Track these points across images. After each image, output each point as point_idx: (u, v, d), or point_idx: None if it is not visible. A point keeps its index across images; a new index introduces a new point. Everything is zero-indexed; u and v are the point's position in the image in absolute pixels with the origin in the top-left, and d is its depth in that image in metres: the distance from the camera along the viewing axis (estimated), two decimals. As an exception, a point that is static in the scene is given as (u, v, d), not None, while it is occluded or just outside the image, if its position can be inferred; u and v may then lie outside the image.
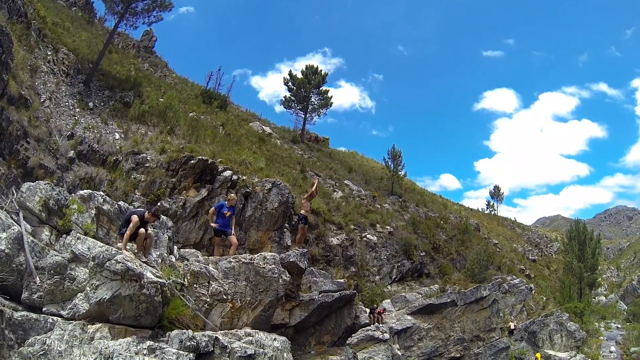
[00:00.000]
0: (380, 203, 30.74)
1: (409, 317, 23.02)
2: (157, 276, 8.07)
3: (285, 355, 9.45)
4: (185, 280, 9.37)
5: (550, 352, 27.75)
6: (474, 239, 33.16)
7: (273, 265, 10.38)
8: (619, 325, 46.89)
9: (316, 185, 15.77)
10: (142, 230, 8.74)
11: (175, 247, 11.78)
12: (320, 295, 14.45)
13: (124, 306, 7.53)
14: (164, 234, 11.61)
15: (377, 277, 24.64)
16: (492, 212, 67.29)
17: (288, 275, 10.94)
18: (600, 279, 59.97)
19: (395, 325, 22.40)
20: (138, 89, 20.40)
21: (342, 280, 17.41)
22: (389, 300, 23.58)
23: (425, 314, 23.51)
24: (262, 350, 8.61)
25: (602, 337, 38.54)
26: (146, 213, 9.14)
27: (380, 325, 21.33)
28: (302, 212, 14.78)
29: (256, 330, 9.38)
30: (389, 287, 24.79)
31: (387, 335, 20.90)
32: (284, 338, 9.99)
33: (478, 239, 34.31)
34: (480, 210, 63.94)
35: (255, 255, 10.63)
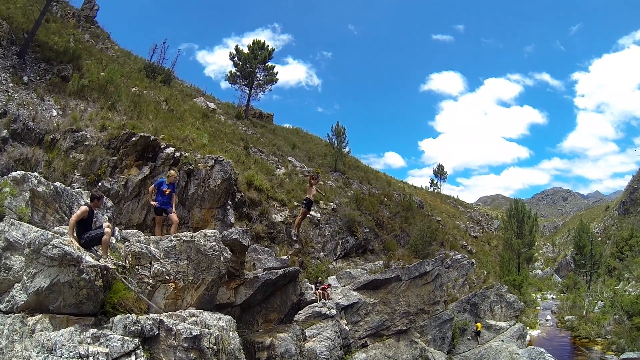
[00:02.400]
0: (323, 180, 30.61)
1: (354, 293, 23.09)
2: (96, 259, 7.68)
3: (231, 334, 9.42)
4: (127, 262, 9.02)
5: (491, 322, 28.93)
6: (417, 216, 33.79)
7: (214, 243, 10.17)
8: (554, 296, 49.82)
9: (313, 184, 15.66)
10: (108, 230, 8.26)
11: (117, 228, 11.13)
12: (264, 273, 14.30)
13: (63, 294, 7.15)
14: (103, 215, 11.04)
15: (321, 253, 24.54)
16: (436, 190, 69.13)
17: (229, 252, 10.76)
18: (537, 254, 63.52)
19: (341, 301, 22.40)
20: (77, 61, 19.05)
21: (285, 257, 17.25)
22: (334, 276, 23.54)
23: (371, 289, 23.66)
24: (207, 330, 8.53)
25: (539, 307, 40.86)
26: (90, 201, 8.69)
27: (327, 301, 21.25)
28: (309, 196, 15.15)
29: (200, 311, 9.27)
30: (333, 263, 24.79)
31: (334, 311, 20.88)
32: (229, 317, 9.94)
33: (421, 216, 35.02)
34: (424, 188, 65.52)
35: (196, 233, 10.37)
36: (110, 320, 7.47)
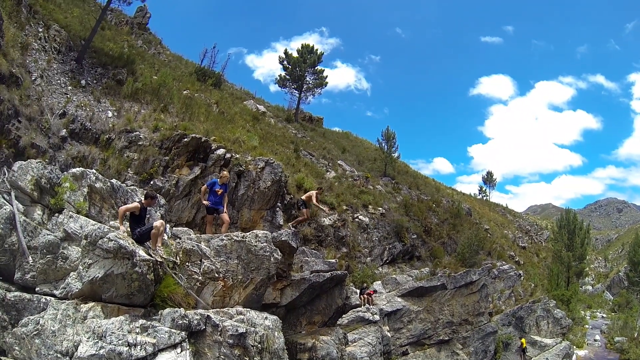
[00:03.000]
0: (373, 184, 30.84)
1: (399, 299, 23.31)
2: (149, 254, 8.11)
3: (276, 334, 9.63)
4: (178, 258, 9.44)
5: (537, 337, 28.42)
6: (465, 224, 33.44)
7: (265, 244, 10.50)
8: (604, 315, 47.93)
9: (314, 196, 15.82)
10: (157, 224, 8.72)
11: (168, 225, 11.78)
12: (311, 275, 14.58)
13: (116, 284, 7.61)
14: (156, 212, 11.61)
15: (368, 258, 24.86)
16: (484, 198, 67.78)
17: (279, 253, 11.07)
18: (587, 269, 61.14)
19: (385, 307, 22.67)
20: (131, 66, 19.95)
21: (333, 260, 17.55)
22: (379, 282, 23.81)
23: (416, 296, 23.79)
24: (253, 329, 8.79)
25: (587, 326, 39.47)
26: (143, 199, 9.20)
27: (371, 306, 21.56)
28: (307, 200, 15.31)
29: (247, 309, 9.53)
30: (379, 268, 25.03)
31: (377, 317, 21.16)
32: (275, 317, 10.15)
33: (469, 224, 34.63)
34: (472, 195, 64.34)
35: (247, 234, 10.75)
36: (159, 312, 7.91)
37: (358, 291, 21.97)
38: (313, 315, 15.80)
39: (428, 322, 24.02)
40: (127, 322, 7.24)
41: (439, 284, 24.35)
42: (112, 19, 29.06)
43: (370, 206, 27.18)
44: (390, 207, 28.35)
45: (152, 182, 14.59)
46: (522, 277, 33.17)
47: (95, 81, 17.86)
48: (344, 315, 19.65)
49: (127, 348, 6.90)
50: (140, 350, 7.03)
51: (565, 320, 31.59)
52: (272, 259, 10.47)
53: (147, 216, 9.50)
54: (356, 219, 25.54)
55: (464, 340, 25.46)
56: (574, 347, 30.34)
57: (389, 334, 22.63)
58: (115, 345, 6.83)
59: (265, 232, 11.25)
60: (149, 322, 7.48)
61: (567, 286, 38.42)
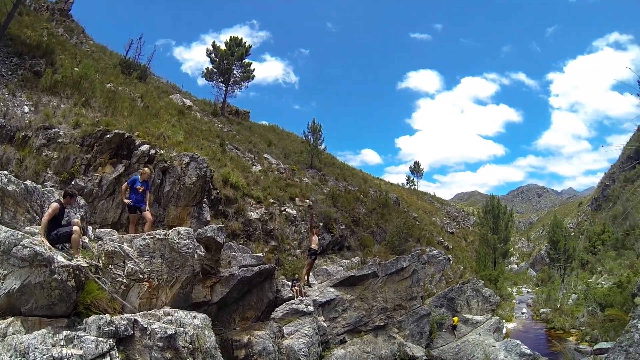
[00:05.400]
0: (299, 177, 31.14)
1: (331, 290, 23.63)
2: (68, 259, 7.82)
3: (206, 332, 9.57)
4: (100, 261, 9.16)
5: (468, 315, 29.86)
6: (393, 213, 34.56)
7: (187, 240, 10.46)
8: (530, 290, 51.46)
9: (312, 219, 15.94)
10: (77, 228, 8.46)
11: (91, 227, 11.32)
12: (240, 270, 14.64)
13: (35, 295, 7.28)
14: (75, 214, 11.14)
15: (298, 250, 25.04)
16: (412, 187, 70.51)
17: (203, 250, 11.06)
18: (512, 249, 65.54)
19: (318, 298, 22.87)
20: (51, 56, 19.10)
21: (260, 254, 17.70)
22: (311, 273, 24.08)
23: (348, 285, 24.23)
24: (182, 329, 8.71)
25: (514, 301, 42.10)
26: (62, 198, 8.88)
27: (304, 298, 21.76)
28: (313, 245, 15.41)
29: (175, 310, 9.44)
30: (310, 260, 25.32)
31: (311, 308, 21.33)
32: (204, 315, 10.09)
33: (398, 213, 35.83)
34: (400, 185, 66.77)
35: (170, 231, 10.62)
36: (84, 321, 7.59)
37: (290, 284, 22.13)
38: (245, 310, 15.82)
39: (363, 310, 24.56)
40: (50, 334, 6.93)
41: (370, 272, 24.96)
42: (31, 4, 27.54)
43: (297, 199, 27.42)
44: (317, 199, 28.75)
45: (73, 182, 14.05)
46: (452, 261, 34.73)
47: (10, 72, 16.93)
48: (277, 309, 19.69)
49: None
50: None
51: (494, 297, 33.48)
52: (195, 256, 10.46)
53: (66, 217, 9.14)
54: (284, 212, 25.67)
55: (399, 324, 26.29)
56: (504, 321, 32.25)
57: (324, 324, 22.87)
58: None
59: (187, 228, 11.16)
60: (73, 333, 7.21)
61: (494, 266, 40.76)
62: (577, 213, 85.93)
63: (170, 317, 8.93)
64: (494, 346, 25.66)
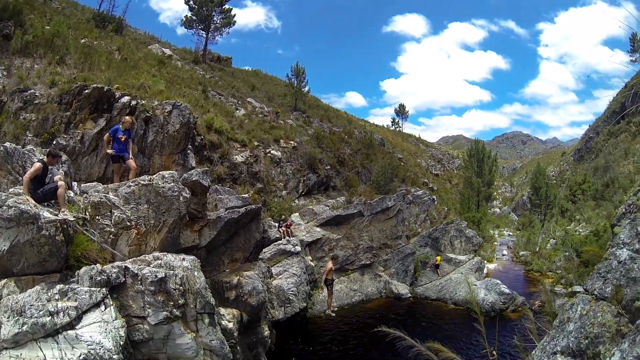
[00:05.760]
0: (283, 119, 30.87)
1: (318, 229, 23.97)
2: (54, 214, 7.72)
3: (196, 273, 9.62)
4: (87, 213, 9.07)
5: (452, 255, 30.60)
6: (378, 153, 34.64)
7: (172, 184, 10.34)
8: (511, 233, 52.90)
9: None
10: (61, 182, 8.33)
11: (75, 183, 11.11)
12: (226, 212, 14.58)
13: (25, 254, 7.24)
14: (58, 170, 10.95)
15: (283, 192, 25.13)
16: (397, 129, 70.45)
17: (188, 192, 10.93)
18: (495, 194, 66.79)
19: (305, 238, 23.24)
20: (19, 17, 18.05)
21: (246, 195, 17.62)
22: (297, 213, 24.25)
23: (334, 225, 24.59)
24: (172, 272, 8.70)
25: (496, 243, 43.36)
26: (45, 158, 8.68)
27: (291, 238, 22.03)
28: (328, 277, 15.81)
29: (164, 253, 9.47)
30: (296, 201, 25.45)
31: (298, 248, 21.71)
32: (192, 257, 10.12)
33: (383, 153, 35.91)
34: (385, 127, 66.48)
35: (154, 176, 10.49)
36: (76, 273, 7.62)
37: (276, 225, 22.33)
38: (234, 252, 15.91)
39: (349, 249, 25.03)
40: (45, 290, 6.95)
41: (355, 211, 25.28)
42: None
43: (282, 140, 27.26)
44: (302, 140, 28.61)
45: (54, 142, 13.71)
46: (436, 202, 35.26)
47: (-23, 37, 16.15)
48: (265, 250, 19.99)
49: (50, 317, 6.65)
50: (64, 316, 6.80)
51: (476, 238, 34.25)
52: (181, 199, 10.37)
53: (49, 175, 8.95)
54: (269, 154, 25.56)
55: (385, 263, 26.94)
56: (485, 261, 33.15)
57: (312, 264, 23.34)
58: (37, 317, 6.56)
59: (171, 172, 10.98)
60: (67, 286, 7.21)
61: (477, 209, 41.57)
62: (560, 162, 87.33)
63: (159, 261, 8.98)
64: (475, 285, 26.44)
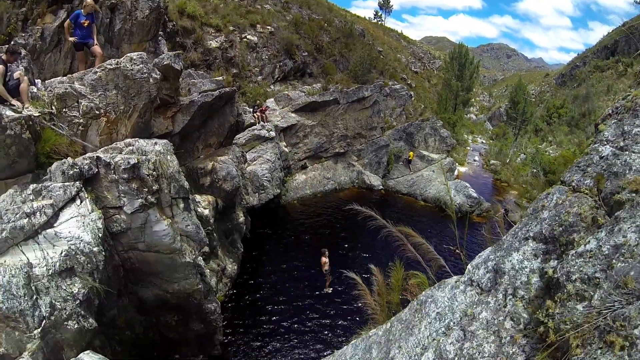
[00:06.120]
0: (260, 4, 29.61)
1: (293, 115, 23.95)
2: (17, 112, 7.39)
3: (169, 157, 9.52)
4: (53, 107, 8.67)
5: (425, 152, 31.25)
6: (358, 44, 33.82)
7: (141, 65, 9.90)
8: (484, 141, 53.73)
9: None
10: (23, 77, 7.82)
11: (39, 81, 10.44)
12: (200, 96, 14.35)
13: None
14: (18, 67, 10.27)
15: (259, 77, 24.75)
16: (379, 22, 68.25)
17: (158, 72, 10.52)
18: (473, 100, 66.97)
19: (280, 123, 23.26)
20: None
21: (220, 77, 17.31)
22: (272, 99, 24.06)
23: (309, 111, 24.56)
24: (144, 157, 8.59)
25: (469, 148, 44.15)
26: (3, 55, 8.02)
27: (266, 124, 22.03)
28: (325, 268, 14.81)
29: (136, 139, 9.25)
30: (271, 86, 25.17)
31: (273, 133, 21.79)
32: (164, 141, 9.93)
33: (362, 44, 35.04)
34: (367, 18, 64.19)
35: (121, 59, 9.94)
36: (48, 170, 7.44)
37: (251, 110, 22.17)
38: (208, 137, 15.84)
39: (323, 136, 25.26)
40: (18, 193, 6.77)
41: (331, 98, 25.18)
42: None
43: (258, 25, 26.39)
44: (279, 25, 27.71)
45: (12, 42, 12.38)
46: (413, 98, 35.26)
47: None
48: (239, 135, 19.95)
49: (27, 219, 6.53)
50: (41, 216, 6.69)
51: (450, 139, 34.86)
52: (151, 80, 9.94)
53: (9, 73, 8.38)
54: (244, 39, 24.81)
55: (358, 153, 27.42)
56: (457, 163, 34.05)
57: (286, 149, 23.60)
58: (14, 221, 6.42)
59: (140, 53, 10.41)
60: (40, 185, 7.03)
61: (454, 111, 41.86)
62: (542, 83, 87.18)
63: (131, 147, 8.80)
64: (445, 184, 27.25)
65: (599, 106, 48.13)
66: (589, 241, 2.29)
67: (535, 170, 30.91)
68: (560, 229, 2.56)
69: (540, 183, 27.59)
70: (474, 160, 40.00)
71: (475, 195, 24.81)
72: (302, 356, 12.10)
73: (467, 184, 26.80)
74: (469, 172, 35.64)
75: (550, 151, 37.87)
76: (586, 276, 2.17)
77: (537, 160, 31.91)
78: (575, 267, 2.24)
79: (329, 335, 13.07)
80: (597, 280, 2.12)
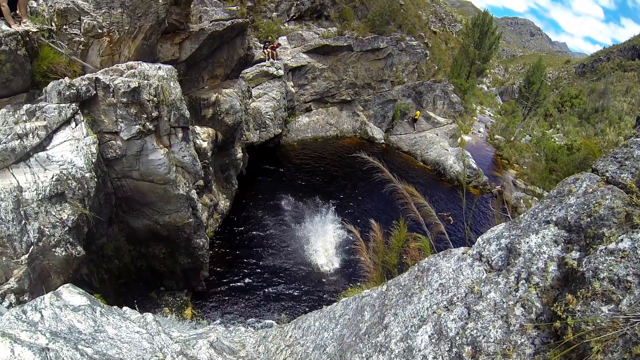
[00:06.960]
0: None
1: (304, 55, 23.78)
2: (15, 26, 7.04)
3: (172, 84, 9.28)
4: (52, 24, 8.27)
5: (432, 114, 31.20)
6: (379, -8, 33.15)
7: None
8: (492, 114, 53.41)
9: None
10: None
11: None
12: (211, 24, 13.94)
13: None
14: None
15: (274, 13, 24.38)
16: (405, -28, 66.25)
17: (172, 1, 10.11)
18: (488, 71, 66.07)
19: (290, 62, 23.12)
20: None
21: (234, 7, 16.89)
22: (284, 37, 23.83)
23: (321, 54, 24.37)
24: (146, 81, 8.38)
25: (476, 118, 43.98)
26: None
27: (275, 61, 21.87)
28: None
29: (139, 62, 8.97)
30: (285, 24, 24.81)
31: (281, 72, 21.64)
32: (169, 66, 9.62)
33: (383, -7, 34.36)
34: (393, -36, 62.30)
35: None
36: (43, 90, 7.19)
37: (262, 46, 21.96)
38: (215, 68, 15.55)
39: (332, 81, 25.19)
40: (10, 112, 6.52)
41: (345, 44, 24.93)
42: None
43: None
44: (299, -39, 27.13)
45: None
46: (428, 57, 34.85)
47: None
48: (247, 70, 19.80)
49: (19, 140, 6.35)
50: (33, 137, 6.51)
51: (459, 106, 34.74)
52: (160, 1, 9.51)
53: None
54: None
55: (365, 103, 27.40)
56: (461, 131, 34.02)
57: (293, 90, 23.56)
58: (5, 143, 6.22)
59: None
60: (34, 105, 6.79)
61: (467, 79, 41.42)
62: (561, 68, 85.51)
63: (133, 70, 8.50)
64: (447, 150, 27.36)
65: (614, 105, 47.70)
66: (622, 239, 2.16)
67: (538, 154, 30.97)
68: (589, 219, 2.39)
69: (540, 168, 27.56)
70: (479, 132, 39.85)
71: (475, 166, 24.91)
72: (287, 305, 12.22)
73: (469, 154, 26.88)
74: (472, 142, 35.50)
75: (556, 139, 37.75)
76: (616, 277, 2.05)
77: (541, 145, 31.95)
78: (605, 265, 2.12)
79: (317, 286, 13.23)
80: (629, 283, 2.00)
